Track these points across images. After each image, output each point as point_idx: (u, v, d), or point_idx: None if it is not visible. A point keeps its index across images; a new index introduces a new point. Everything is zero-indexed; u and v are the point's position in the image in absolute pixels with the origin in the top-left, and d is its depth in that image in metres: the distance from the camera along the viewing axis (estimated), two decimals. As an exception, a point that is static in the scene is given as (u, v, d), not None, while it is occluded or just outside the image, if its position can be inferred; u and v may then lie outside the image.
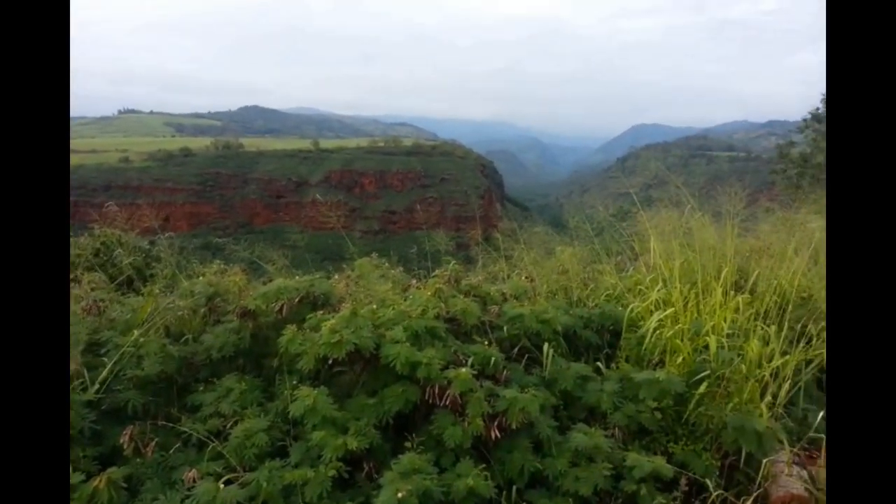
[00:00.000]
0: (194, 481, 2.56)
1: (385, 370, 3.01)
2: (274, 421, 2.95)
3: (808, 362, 3.57)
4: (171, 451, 2.88)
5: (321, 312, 3.30)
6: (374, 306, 3.37)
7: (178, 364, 3.34)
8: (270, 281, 4.05)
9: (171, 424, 3.02)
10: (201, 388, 3.25)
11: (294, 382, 3.05)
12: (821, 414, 3.05)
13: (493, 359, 3.19)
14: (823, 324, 3.90)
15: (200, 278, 4.08)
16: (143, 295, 3.96)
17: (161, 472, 2.79)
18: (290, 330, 3.08)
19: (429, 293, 3.61)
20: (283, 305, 3.37)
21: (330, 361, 2.97)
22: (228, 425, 2.97)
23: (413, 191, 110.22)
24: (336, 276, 4.14)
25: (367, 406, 2.91)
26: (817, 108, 11.27)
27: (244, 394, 3.13)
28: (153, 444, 2.84)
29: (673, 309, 3.68)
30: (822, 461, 3.16)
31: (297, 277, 3.75)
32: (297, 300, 3.42)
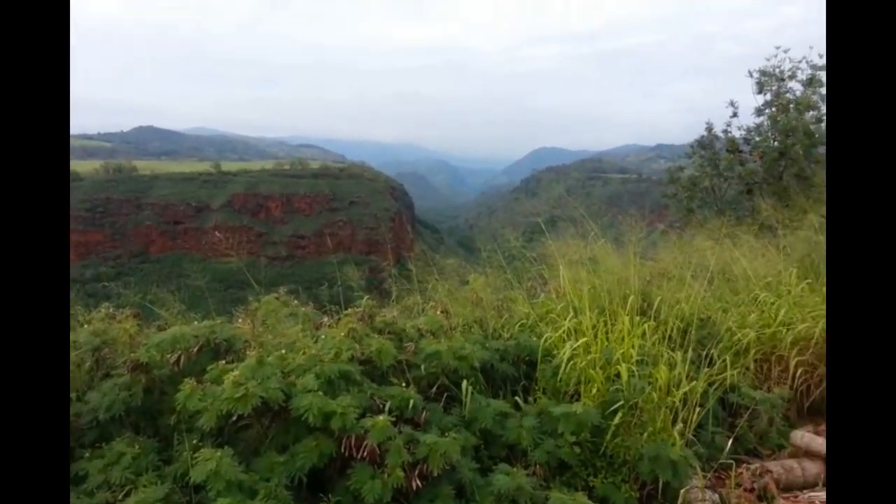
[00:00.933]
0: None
1: (296, 422, 2.82)
2: (172, 488, 2.66)
3: (711, 383, 3.75)
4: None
5: (223, 362, 3.05)
6: (283, 351, 3.17)
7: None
8: (166, 327, 3.72)
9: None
10: (87, 455, 2.88)
11: (194, 442, 2.78)
12: (730, 441, 3.20)
13: (411, 401, 3.08)
14: (724, 345, 4.15)
15: (85, 326, 3.67)
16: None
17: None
18: (189, 384, 2.81)
19: (342, 333, 3.46)
20: (180, 356, 3.09)
21: (234, 417, 2.74)
22: (120, 496, 2.64)
23: (322, 214, 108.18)
24: (240, 319, 3.87)
25: (278, 464, 2.70)
26: (701, 136, 12.20)
27: (137, 458, 2.80)
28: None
29: (585, 339, 3.75)
30: (731, 482, 3.31)
31: (195, 322, 3.46)
32: (195, 349, 3.15)
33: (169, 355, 3.13)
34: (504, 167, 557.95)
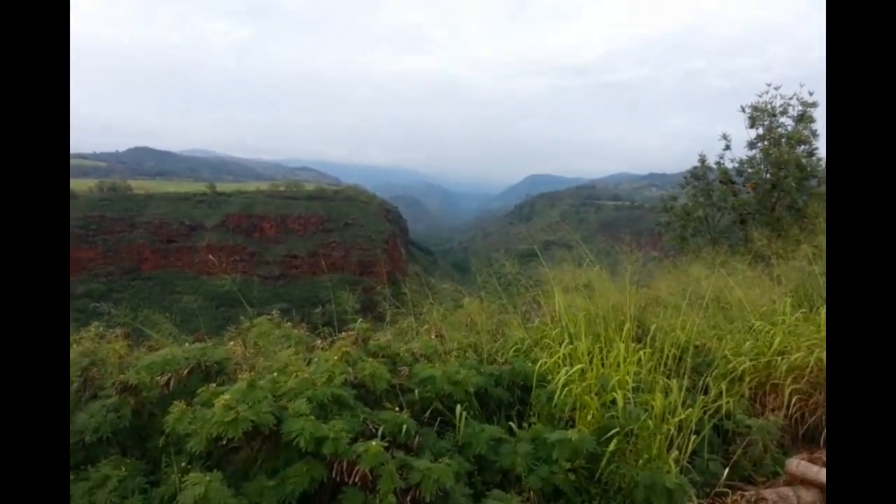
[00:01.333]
0: None
1: (287, 446, 2.77)
2: (159, 513, 2.60)
3: (706, 411, 3.72)
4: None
5: (214, 384, 3.00)
6: (275, 374, 3.13)
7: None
8: (156, 347, 3.67)
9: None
10: (72, 478, 2.81)
11: (183, 464, 2.72)
12: (726, 471, 3.17)
13: (404, 426, 3.04)
14: (719, 373, 4.14)
15: (74, 346, 3.62)
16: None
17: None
18: (178, 407, 2.76)
19: (335, 356, 3.42)
20: (170, 378, 3.04)
21: (224, 440, 2.69)
22: (105, 520, 2.58)
23: (316, 235, 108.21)
24: (231, 342, 3.83)
25: (268, 488, 2.64)
26: (694, 167, 12.39)
27: (124, 481, 2.73)
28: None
29: (580, 365, 3.73)
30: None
31: (186, 344, 3.42)
32: (186, 371, 3.11)
33: (159, 377, 3.08)
34: (498, 192, 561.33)
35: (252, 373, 3.15)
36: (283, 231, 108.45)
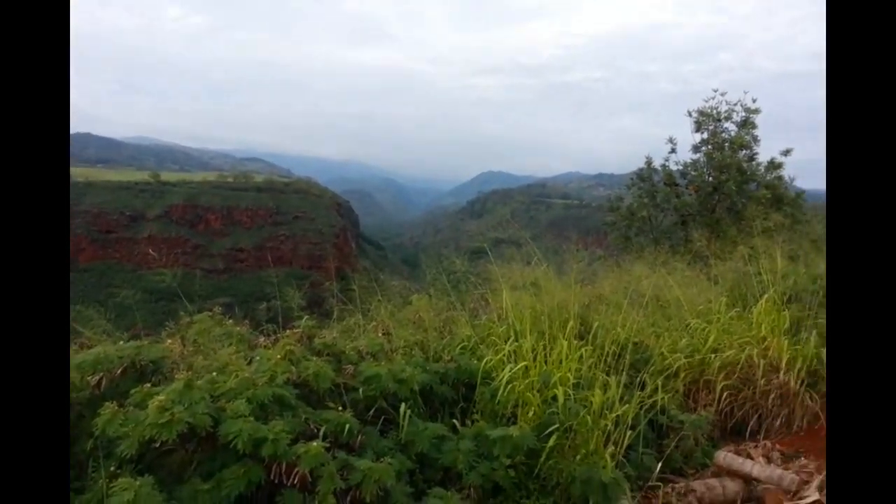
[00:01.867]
0: None
1: (224, 448, 2.70)
2: (85, 520, 2.49)
3: (642, 406, 3.85)
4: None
5: (149, 384, 2.90)
6: (214, 374, 3.05)
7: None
8: (88, 345, 3.52)
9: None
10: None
11: (112, 469, 2.61)
12: (659, 465, 3.28)
13: (347, 426, 3.02)
14: (655, 369, 4.28)
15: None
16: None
17: None
18: (110, 409, 2.64)
19: (278, 356, 3.35)
20: (101, 378, 2.91)
21: (157, 443, 2.60)
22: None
23: (264, 228, 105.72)
24: (169, 340, 3.70)
25: (202, 492, 2.56)
26: (641, 168, 12.80)
27: (47, 487, 2.61)
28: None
29: (524, 362, 3.79)
30: (658, 502, 3.40)
31: (121, 342, 3.28)
32: (119, 371, 2.98)
33: (90, 377, 2.95)
34: (451, 188, 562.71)
35: (190, 372, 3.05)
36: (230, 223, 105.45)
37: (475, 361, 4.03)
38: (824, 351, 4.69)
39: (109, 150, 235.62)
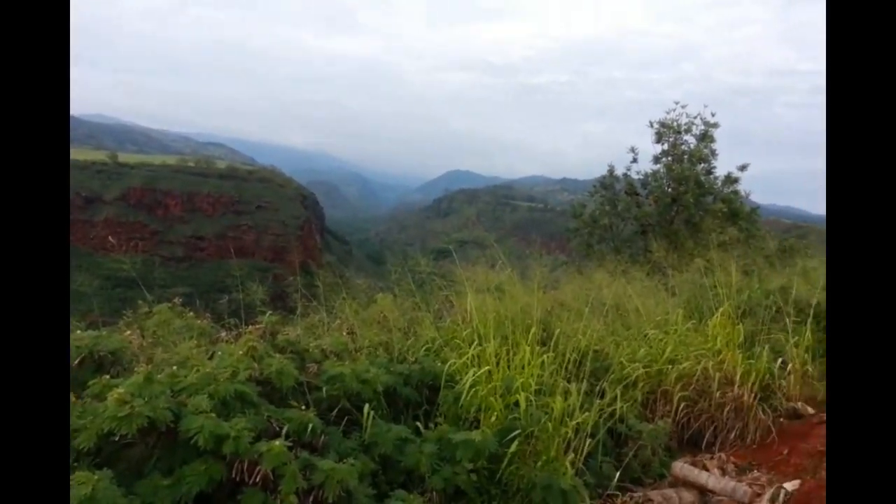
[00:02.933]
0: None
1: (185, 444, 2.65)
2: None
3: (602, 414, 3.94)
4: None
5: (108, 376, 2.82)
6: (175, 368, 2.99)
7: None
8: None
9: None
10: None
11: (70, 461, 2.54)
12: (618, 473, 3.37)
13: (310, 426, 3.00)
14: (615, 378, 4.39)
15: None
16: None
17: None
18: (66, 401, 2.57)
19: (240, 351, 3.31)
20: (57, 369, 2.82)
21: (116, 437, 2.54)
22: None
23: (225, 217, 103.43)
24: (128, 331, 3.61)
25: (162, 488, 2.51)
26: (603, 176, 13.05)
27: None
28: None
29: (488, 367, 3.84)
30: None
31: (78, 331, 3.19)
32: (77, 361, 2.90)
33: (44, 367, 2.85)
34: (418, 185, 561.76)
35: (150, 365, 2.99)
36: (190, 210, 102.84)
37: (439, 364, 4.06)
38: (776, 365, 4.89)
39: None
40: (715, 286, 6.03)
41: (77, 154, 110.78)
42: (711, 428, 4.54)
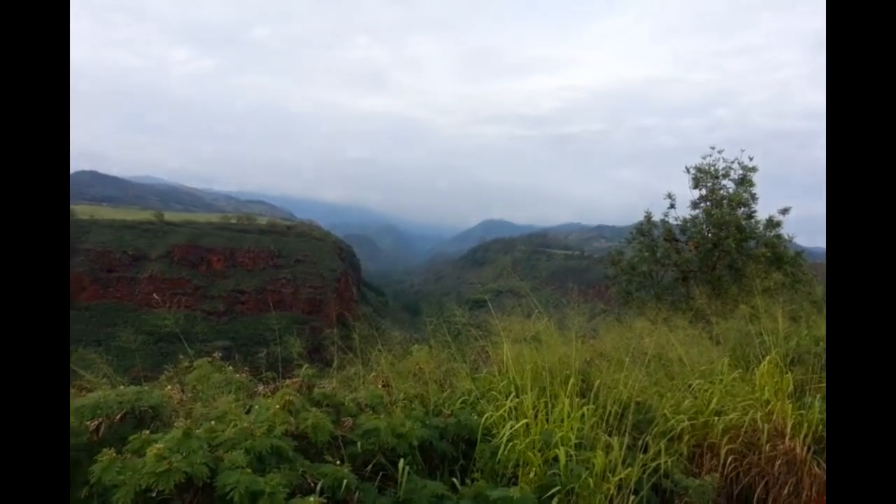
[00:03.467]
0: None
1: (221, 500, 2.65)
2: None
3: (645, 469, 3.77)
4: None
5: (147, 431, 2.87)
6: (213, 422, 3.02)
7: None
8: (88, 388, 3.50)
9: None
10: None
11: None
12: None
13: (344, 482, 2.96)
14: (658, 430, 4.22)
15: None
16: None
17: None
18: (107, 455, 2.61)
19: (277, 405, 3.33)
20: (100, 423, 2.89)
21: (154, 493, 2.56)
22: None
23: (265, 271, 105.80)
24: (169, 385, 3.68)
25: (197, 545, 2.52)
26: (640, 223, 12.89)
27: (37, 537, 2.55)
28: None
29: (525, 420, 3.75)
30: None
31: (121, 386, 3.27)
32: (119, 416, 2.96)
33: (89, 422, 2.92)
34: (453, 235, 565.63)
35: (188, 420, 3.03)
36: (231, 265, 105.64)
37: (475, 417, 3.98)
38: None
39: (114, 189, 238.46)
40: (761, 333, 5.81)
41: (125, 214, 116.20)
42: (762, 483, 4.28)
